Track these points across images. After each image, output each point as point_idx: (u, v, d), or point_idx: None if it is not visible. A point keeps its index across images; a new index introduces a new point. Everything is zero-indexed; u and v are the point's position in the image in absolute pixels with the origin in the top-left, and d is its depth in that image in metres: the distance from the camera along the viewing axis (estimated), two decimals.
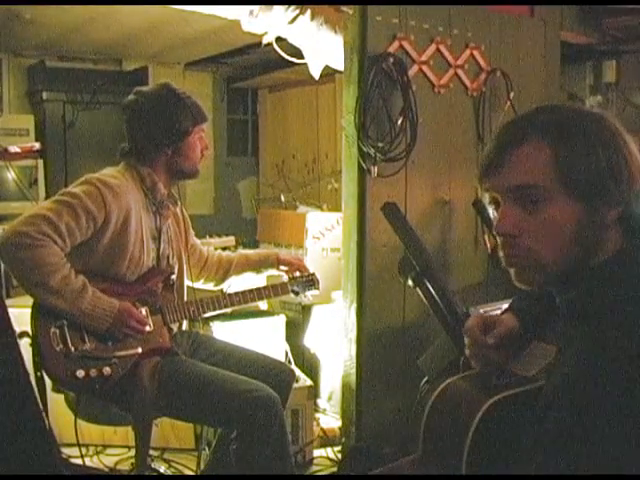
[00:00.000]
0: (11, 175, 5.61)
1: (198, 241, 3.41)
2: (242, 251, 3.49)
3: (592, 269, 1.45)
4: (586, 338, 1.37)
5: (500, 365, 1.80)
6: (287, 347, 4.11)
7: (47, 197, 5.69)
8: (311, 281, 3.34)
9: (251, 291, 3.19)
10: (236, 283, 3.45)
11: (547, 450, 1.32)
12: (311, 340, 4.55)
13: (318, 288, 3.38)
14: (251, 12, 3.60)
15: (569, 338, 1.44)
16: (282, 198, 6.00)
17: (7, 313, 2.66)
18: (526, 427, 1.55)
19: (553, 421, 1.32)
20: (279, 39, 3.89)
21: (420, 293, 2.81)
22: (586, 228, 1.44)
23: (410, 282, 2.82)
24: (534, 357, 1.80)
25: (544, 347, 1.79)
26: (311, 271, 3.36)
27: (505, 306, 2.01)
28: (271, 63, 6.15)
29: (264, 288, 3.24)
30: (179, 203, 3.13)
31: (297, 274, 3.34)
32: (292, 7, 3.64)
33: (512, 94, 4.11)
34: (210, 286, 3.41)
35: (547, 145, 1.44)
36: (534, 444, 1.38)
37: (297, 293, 3.32)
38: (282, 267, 3.36)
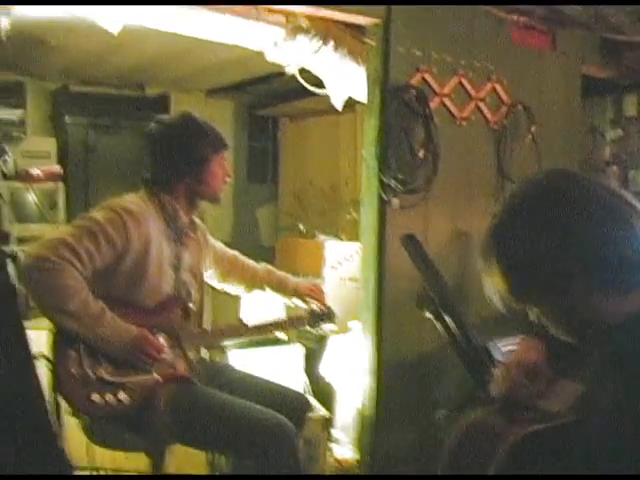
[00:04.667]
0: (32, 197, 5.64)
1: (222, 246, 3.40)
2: (268, 267, 3.46)
3: (628, 318, 1.44)
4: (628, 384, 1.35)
5: (532, 401, 1.81)
6: (304, 376, 4.10)
7: (67, 220, 5.73)
8: (328, 315, 3.33)
9: (269, 323, 3.20)
10: (255, 313, 3.45)
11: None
12: (327, 369, 4.53)
13: (335, 322, 3.37)
14: (275, 43, 3.63)
15: (606, 380, 1.42)
16: (301, 227, 6.00)
17: (25, 333, 2.67)
18: (556, 461, 1.54)
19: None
20: (302, 70, 3.91)
21: (439, 326, 2.79)
22: (577, 312, 1.49)
23: (429, 315, 2.80)
24: (559, 394, 1.79)
25: (569, 385, 1.79)
26: (329, 303, 3.36)
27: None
28: (293, 92, 6.16)
29: (281, 320, 3.25)
30: (202, 228, 3.15)
31: (315, 307, 3.33)
32: (316, 37, 3.66)
33: (533, 127, 4.11)
34: (239, 292, 3.44)
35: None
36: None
37: (314, 326, 3.31)
38: (297, 300, 3.36)
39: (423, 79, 3.75)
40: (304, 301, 3.35)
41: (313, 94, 4.28)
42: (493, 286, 1.58)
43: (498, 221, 1.57)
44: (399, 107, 3.62)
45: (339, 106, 4.14)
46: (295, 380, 4.03)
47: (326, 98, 4.17)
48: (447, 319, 2.74)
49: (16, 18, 3.12)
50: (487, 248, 1.58)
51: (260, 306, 4.10)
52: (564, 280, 1.45)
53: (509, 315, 1.66)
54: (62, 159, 6.13)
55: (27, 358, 2.61)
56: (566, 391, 1.78)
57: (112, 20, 3.30)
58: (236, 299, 4.07)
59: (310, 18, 3.67)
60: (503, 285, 1.55)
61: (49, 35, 4.73)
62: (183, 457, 3.92)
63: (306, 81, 4.03)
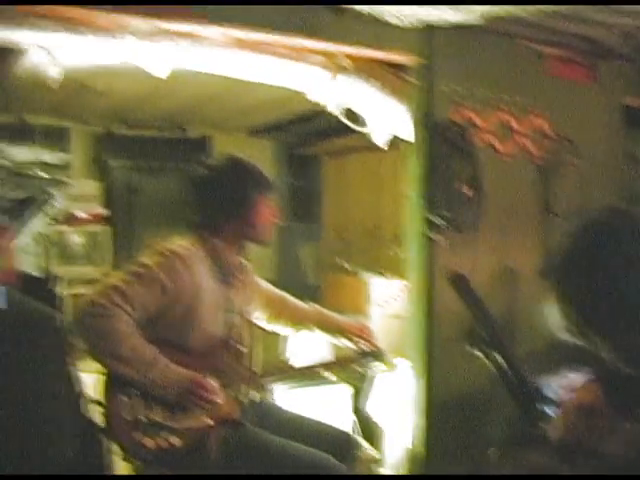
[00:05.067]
0: (78, 240, 5.73)
1: (270, 287, 3.39)
2: (316, 307, 3.44)
3: None
4: None
5: (594, 445, 1.78)
6: (353, 416, 4.07)
7: (113, 262, 5.79)
8: (378, 355, 3.30)
9: (317, 364, 3.19)
10: (302, 352, 3.43)
11: None
12: (374, 408, 4.51)
13: (384, 362, 3.33)
14: (316, 83, 3.66)
15: None
16: (345, 264, 6.00)
17: (77, 375, 2.69)
18: None
19: None
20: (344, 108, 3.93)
21: (488, 364, 2.77)
22: None
23: (478, 353, 2.79)
24: (621, 436, 1.76)
25: (632, 426, 1.76)
26: (378, 343, 3.32)
27: (575, 376, 2.00)
28: (334, 130, 6.18)
29: (330, 361, 3.24)
30: (250, 270, 3.16)
31: (364, 348, 3.29)
32: (358, 77, 3.68)
33: (578, 160, 4.08)
34: (288, 332, 3.41)
35: None
36: None
37: (363, 367, 3.29)
38: (346, 340, 3.33)
39: (466, 116, 3.75)
40: (353, 341, 3.33)
41: (354, 131, 4.30)
42: (556, 320, 1.60)
43: (558, 257, 1.61)
44: (443, 144, 3.63)
45: (382, 144, 4.14)
46: (343, 419, 4.01)
47: (367, 135, 4.18)
48: (497, 356, 2.73)
49: (66, 67, 3.19)
50: (549, 285, 1.60)
51: (307, 345, 4.10)
52: (623, 315, 1.45)
53: (570, 349, 1.66)
54: (107, 201, 6.23)
55: (79, 400, 2.64)
56: (628, 433, 1.75)
57: (160, 64, 3.35)
58: (283, 339, 4.07)
59: (352, 58, 3.70)
60: (565, 320, 1.57)
61: (95, 81, 4.82)
62: None
63: (346, 117, 4.05)
